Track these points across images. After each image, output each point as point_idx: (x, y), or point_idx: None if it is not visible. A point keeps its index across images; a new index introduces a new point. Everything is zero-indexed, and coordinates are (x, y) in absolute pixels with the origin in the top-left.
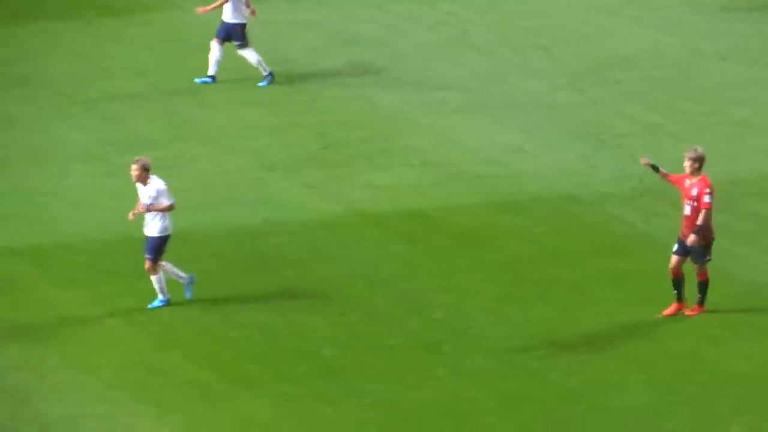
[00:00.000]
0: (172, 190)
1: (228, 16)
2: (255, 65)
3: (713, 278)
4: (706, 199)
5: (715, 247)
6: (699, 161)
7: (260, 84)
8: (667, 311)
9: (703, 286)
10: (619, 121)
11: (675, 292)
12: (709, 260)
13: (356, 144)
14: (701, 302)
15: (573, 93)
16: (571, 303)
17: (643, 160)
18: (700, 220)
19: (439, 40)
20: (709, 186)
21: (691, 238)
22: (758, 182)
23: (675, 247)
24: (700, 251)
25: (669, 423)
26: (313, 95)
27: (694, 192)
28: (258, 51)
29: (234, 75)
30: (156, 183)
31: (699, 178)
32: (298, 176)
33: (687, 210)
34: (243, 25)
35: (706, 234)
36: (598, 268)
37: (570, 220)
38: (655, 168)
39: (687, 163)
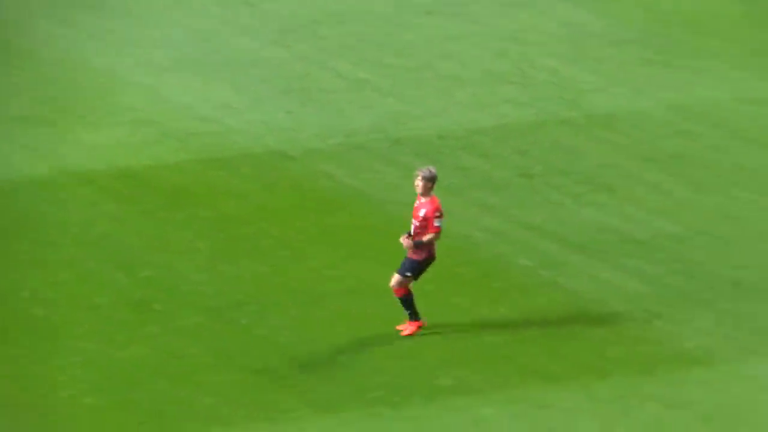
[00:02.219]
0: None
1: None
2: None
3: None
4: (436, 223)
5: None
6: (432, 181)
7: None
8: (404, 329)
9: (408, 299)
10: (326, 77)
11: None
12: (409, 276)
13: (67, 102)
14: (412, 317)
15: (280, 49)
16: (280, 259)
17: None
18: (425, 238)
19: None
20: (438, 209)
21: (407, 242)
22: (465, 136)
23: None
24: (407, 264)
25: (381, 376)
26: (25, 54)
27: (422, 213)
28: None
29: None
30: None
31: (429, 199)
32: (8, 135)
33: (412, 229)
34: None
35: (423, 252)
36: (306, 223)
37: (278, 176)
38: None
39: (420, 183)
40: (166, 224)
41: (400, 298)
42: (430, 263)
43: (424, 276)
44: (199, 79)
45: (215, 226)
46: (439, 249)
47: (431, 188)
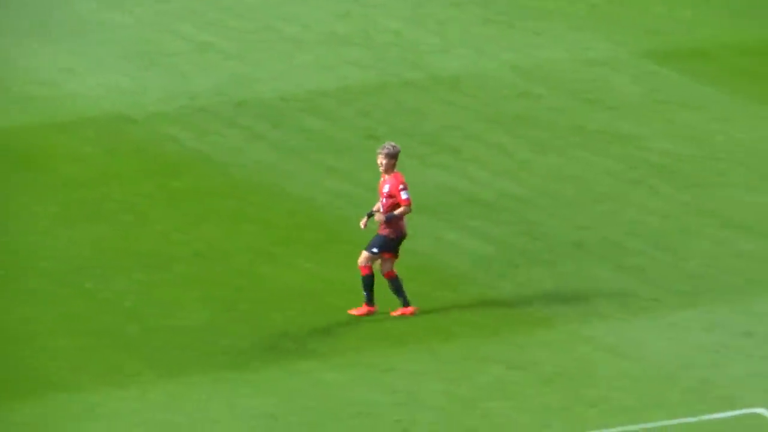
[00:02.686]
0: None
1: None
2: None
3: (271, 197)
4: (404, 195)
5: (265, 165)
6: (395, 157)
7: None
8: (395, 312)
9: (367, 280)
10: (170, 40)
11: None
12: (374, 252)
13: None
14: (369, 301)
15: (122, 13)
16: (124, 223)
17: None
18: (397, 212)
19: None
20: (401, 182)
21: (379, 216)
22: (308, 98)
23: None
24: (375, 239)
25: (225, 340)
26: None
27: (386, 189)
28: None
29: None
30: None
31: (392, 174)
32: None
33: (381, 207)
34: None
35: (393, 228)
36: (150, 187)
37: (121, 140)
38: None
39: (383, 161)
40: (7, 188)
41: (366, 276)
42: (401, 240)
43: (271, 239)
44: (40, 43)
45: (57, 191)
46: (281, 212)
47: (394, 165)
